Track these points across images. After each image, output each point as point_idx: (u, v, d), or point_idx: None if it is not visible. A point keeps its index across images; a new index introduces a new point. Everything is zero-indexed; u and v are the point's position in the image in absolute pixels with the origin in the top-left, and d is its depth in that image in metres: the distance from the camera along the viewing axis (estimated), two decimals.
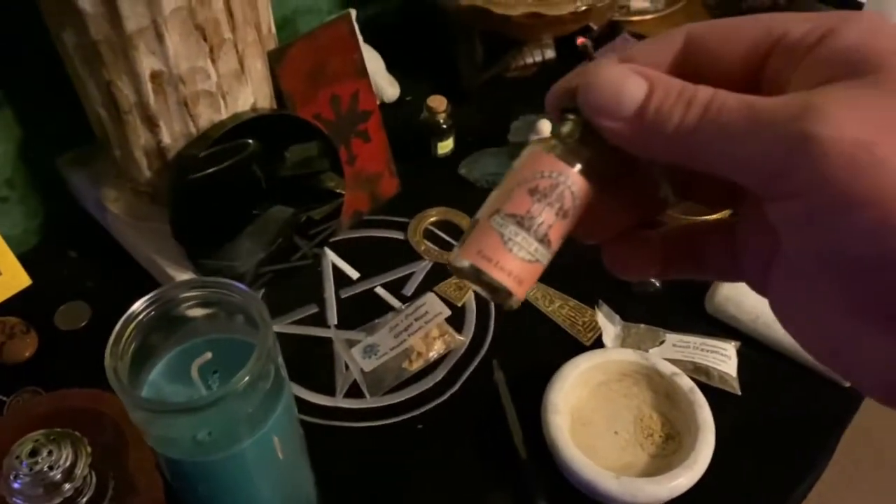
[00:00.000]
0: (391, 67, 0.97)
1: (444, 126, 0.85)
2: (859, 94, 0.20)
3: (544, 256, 0.25)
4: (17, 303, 0.75)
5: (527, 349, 0.71)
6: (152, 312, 0.38)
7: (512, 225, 0.24)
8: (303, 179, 0.74)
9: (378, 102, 0.82)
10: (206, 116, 0.66)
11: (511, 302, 0.25)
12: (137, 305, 0.37)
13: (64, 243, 0.81)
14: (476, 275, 0.24)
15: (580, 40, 0.73)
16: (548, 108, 0.26)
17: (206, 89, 0.64)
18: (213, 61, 0.63)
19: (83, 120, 0.72)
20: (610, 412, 0.63)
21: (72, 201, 0.83)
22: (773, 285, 0.25)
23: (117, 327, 0.36)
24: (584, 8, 0.83)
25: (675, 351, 0.68)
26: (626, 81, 0.23)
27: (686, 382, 0.61)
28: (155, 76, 0.61)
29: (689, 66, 0.24)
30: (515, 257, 0.24)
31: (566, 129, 0.25)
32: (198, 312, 0.40)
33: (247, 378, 0.36)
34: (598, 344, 0.70)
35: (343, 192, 0.77)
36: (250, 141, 0.67)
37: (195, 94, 0.64)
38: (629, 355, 0.63)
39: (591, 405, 0.63)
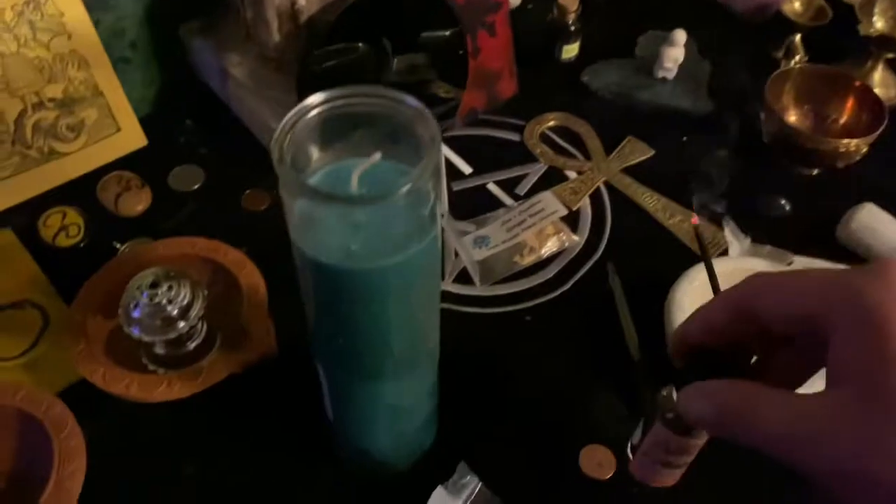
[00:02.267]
0: None
1: (573, 28, 0.82)
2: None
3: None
4: (133, 162, 0.75)
5: (643, 258, 0.69)
6: (322, 111, 0.36)
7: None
8: (429, 72, 0.72)
9: None
10: None
11: None
12: (311, 99, 0.36)
13: (179, 112, 0.81)
14: None
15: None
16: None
17: None
18: None
19: None
20: None
21: (188, 72, 0.82)
22: None
23: (286, 119, 0.35)
24: None
25: None
26: (693, 408, 0.31)
27: None
28: None
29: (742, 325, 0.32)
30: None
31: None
32: (358, 132, 0.39)
33: (408, 186, 0.35)
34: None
35: (464, 86, 0.75)
36: (384, 14, 0.66)
37: None
38: (762, 266, 0.60)
39: None
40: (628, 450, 0.54)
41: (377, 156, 0.36)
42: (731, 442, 0.30)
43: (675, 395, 0.34)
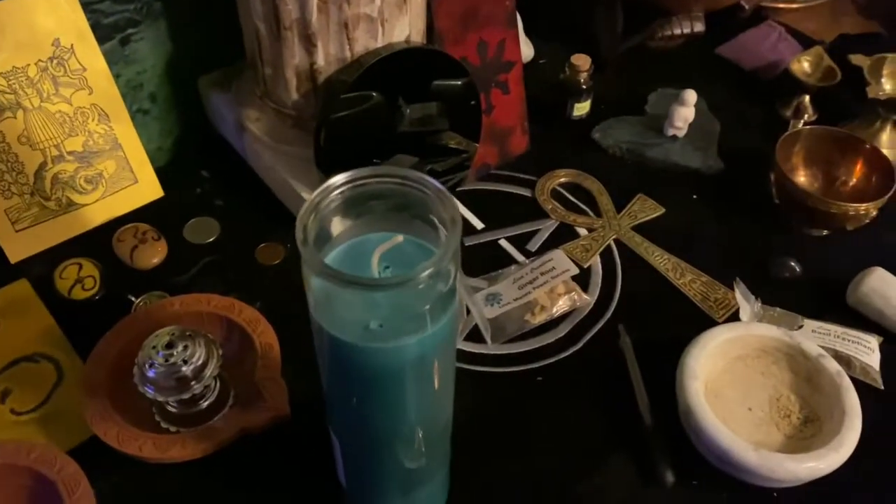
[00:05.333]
0: (526, 30, 0.95)
1: (584, 86, 0.83)
2: None
3: None
4: (149, 213, 0.76)
5: (653, 318, 0.69)
6: (345, 191, 0.37)
7: None
8: (441, 122, 0.73)
9: None
10: (363, 42, 0.65)
11: None
12: (336, 179, 0.36)
13: (195, 163, 0.82)
14: None
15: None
16: None
17: (368, 13, 0.63)
18: None
19: (229, 41, 0.73)
20: (744, 388, 0.60)
21: (205, 124, 0.84)
22: None
23: (311, 199, 0.35)
24: None
25: (814, 337, 0.65)
26: None
27: (833, 365, 0.58)
28: None
29: None
30: None
31: None
32: (380, 205, 0.39)
33: (430, 270, 0.35)
34: (730, 322, 0.67)
35: (477, 143, 0.76)
36: (400, 74, 0.67)
37: (356, 16, 0.63)
38: (773, 331, 0.61)
39: (724, 378, 0.60)
40: None
41: (399, 237, 0.37)
42: None
43: None
